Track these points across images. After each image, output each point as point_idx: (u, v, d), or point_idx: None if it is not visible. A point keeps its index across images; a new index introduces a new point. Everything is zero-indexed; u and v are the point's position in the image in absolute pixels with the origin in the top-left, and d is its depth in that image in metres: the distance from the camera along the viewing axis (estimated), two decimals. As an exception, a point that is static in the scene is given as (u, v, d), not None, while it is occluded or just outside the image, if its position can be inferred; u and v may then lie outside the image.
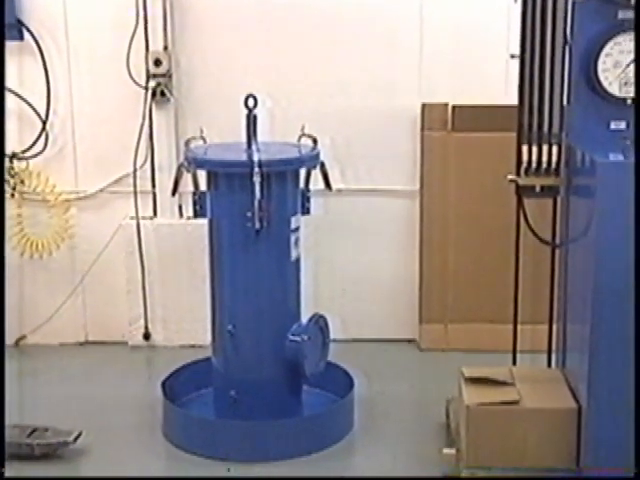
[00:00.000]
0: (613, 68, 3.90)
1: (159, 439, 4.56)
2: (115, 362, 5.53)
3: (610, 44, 3.87)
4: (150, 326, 5.67)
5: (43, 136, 5.45)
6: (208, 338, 4.68)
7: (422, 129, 5.47)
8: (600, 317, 3.78)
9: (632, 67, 3.86)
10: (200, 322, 4.82)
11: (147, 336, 5.69)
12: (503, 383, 4.18)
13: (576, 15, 3.91)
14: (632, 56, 3.85)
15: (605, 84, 3.91)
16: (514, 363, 4.51)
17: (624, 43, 3.86)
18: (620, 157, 3.77)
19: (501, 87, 4.79)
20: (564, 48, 3.94)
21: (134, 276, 5.59)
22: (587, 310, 3.82)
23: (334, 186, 4.85)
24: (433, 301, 5.65)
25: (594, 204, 3.72)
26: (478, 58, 5.29)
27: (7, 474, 3.49)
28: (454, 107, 5.40)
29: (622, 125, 3.96)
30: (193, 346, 5.41)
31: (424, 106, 5.43)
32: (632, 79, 3.88)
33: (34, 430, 4.35)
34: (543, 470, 3.98)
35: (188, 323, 5.52)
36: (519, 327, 4.52)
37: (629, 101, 3.90)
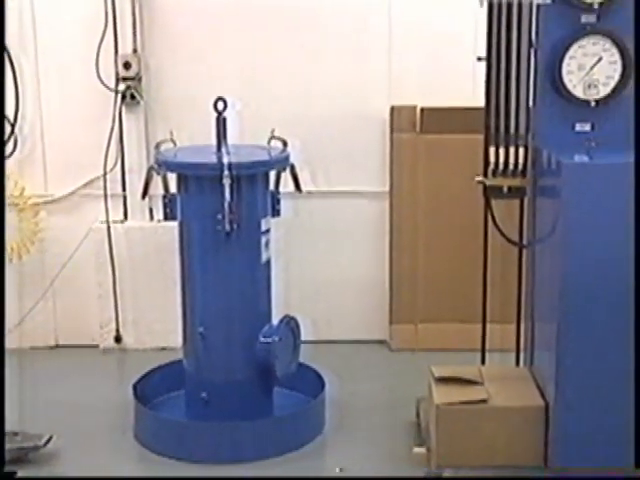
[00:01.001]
0: (577, 71, 3.97)
1: (130, 442, 4.58)
2: (86, 365, 5.53)
3: (574, 47, 3.94)
4: (121, 329, 5.68)
5: (12, 139, 5.44)
6: (179, 341, 4.69)
7: (391, 131, 5.52)
8: (567, 316, 3.85)
9: (596, 70, 3.95)
10: (171, 325, 4.83)
11: (118, 339, 5.70)
12: (472, 382, 4.24)
13: (541, 19, 3.98)
14: (595, 59, 3.93)
15: (570, 87, 3.99)
16: (483, 362, 4.57)
17: (587, 46, 3.94)
18: (585, 158, 3.86)
19: (469, 89, 4.84)
20: (529, 51, 4.00)
21: (105, 279, 5.60)
22: (554, 309, 3.90)
23: (305, 188, 4.88)
24: (403, 302, 5.69)
25: (560, 204, 3.79)
26: (446, 61, 5.35)
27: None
28: (423, 109, 5.45)
29: (587, 127, 4.04)
30: (164, 349, 5.43)
31: (393, 108, 5.48)
32: (596, 82, 3.97)
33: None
34: (513, 467, 4.02)
35: (159, 326, 5.54)
36: (488, 326, 4.57)
37: (593, 103, 3.98)
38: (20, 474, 4.15)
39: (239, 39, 5.43)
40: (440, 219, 5.53)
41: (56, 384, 5.26)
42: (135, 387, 4.73)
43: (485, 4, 4.01)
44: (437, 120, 5.43)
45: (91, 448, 4.51)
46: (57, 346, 5.80)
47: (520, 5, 3.96)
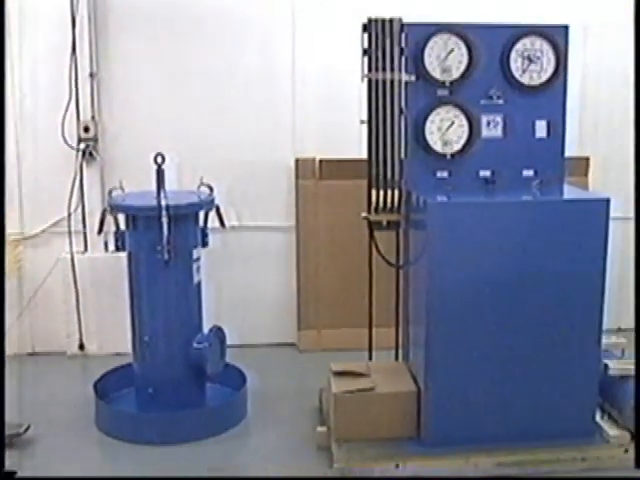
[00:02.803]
0: (436, 132, 4.07)
1: (93, 429, 4.51)
2: (56, 368, 5.41)
3: (433, 114, 4.04)
4: (84, 339, 5.56)
5: (-5, 188, 5.35)
6: (130, 347, 4.62)
7: (296, 178, 5.53)
8: (432, 320, 3.90)
9: (450, 131, 4.04)
10: (124, 334, 4.72)
11: (82, 347, 5.58)
12: (362, 375, 4.26)
13: (408, 92, 4.04)
14: (449, 123, 4.04)
15: (431, 143, 4.08)
16: (370, 358, 4.55)
17: (443, 113, 4.05)
18: (445, 198, 3.93)
19: (356, 145, 4.81)
20: (400, 116, 4.04)
21: (70, 299, 5.49)
22: (423, 315, 3.94)
23: (230, 224, 4.87)
24: (308, 311, 5.67)
25: (426, 234, 3.85)
26: (337, 123, 5.36)
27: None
28: (321, 161, 5.47)
29: (445, 174, 4.13)
30: (119, 354, 5.26)
31: (297, 160, 5.50)
32: (450, 140, 4.06)
33: (-10, 424, 4.25)
34: (394, 440, 4.06)
35: (114, 335, 5.36)
36: (374, 330, 4.55)
37: (449, 156, 4.07)
38: (7, 455, 4.00)
39: (177, 108, 5.40)
40: (336, 246, 5.54)
41: (33, 384, 5.15)
42: (95, 385, 4.66)
43: (365, 80, 4.04)
44: (332, 169, 5.46)
45: (61, 434, 4.44)
46: (33, 353, 5.65)
47: (392, 81, 4.00)
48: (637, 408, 3.87)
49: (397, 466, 3.90)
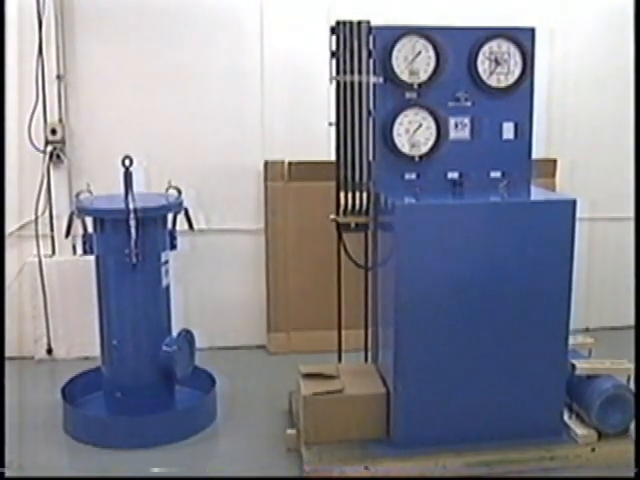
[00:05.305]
0: (404, 134, 4.07)
1: (60, 434, 4.46)
2: (24, 373, 5.34)
3: (401, 116, 4.04)
4: (52, 343, 5.51)
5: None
6: (99, 351, 4.58)
7: (265, 180, 5.51)
8: (400, 322, 3.90)
9: (418, 133, 4.05)
10: (92, 338, 4.68)
11: (50, 351, 5.52)
12: (331, 376, 4.25)
13: (376, 94, 4.04)
14: (417, 125, 4.04)
15: (399, 145, 4.08)
16: (339, 360, 4.55)
17: (411, 115, 4.05)
18: (413, 200, 3.92)
19: (324, 147, 4.79)
20: (368, 118, 4.03)
21: (38, 303, 5.44)
22: (391, 316, 3.94)
23: (199, 227, 4.84)
24: (278, 314, 5.66)
25: (394, 236, 3.84)
26: (306, 126, 5.35)
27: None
28: (289, 163, 5.46)
29: (413, 176, 4.13)
30: (87, 358, 5.23)
31: (266, 163, 5.48)
32: (418, 142, 4.06)
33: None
34: (363, 442, 4.05)
35: (83, 339, 5.33)
36: (344, 332, 4.52)
37: (417, 158, 4.08)
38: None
39: (142, 108, 5.36)
40: (305, 249, 5.53)
41: (0, 389, 5.09)
42: (63, 390, 4.62)
43: (334, 82, 4.04)
44: (301, 171, 5.45)
45: (29, 439, 4.38)
46: (1, 358, 5.61)
47: (360, 83, 3.99)
48: (637, 407, 3.90)
49: (367, 468, 3.89)
